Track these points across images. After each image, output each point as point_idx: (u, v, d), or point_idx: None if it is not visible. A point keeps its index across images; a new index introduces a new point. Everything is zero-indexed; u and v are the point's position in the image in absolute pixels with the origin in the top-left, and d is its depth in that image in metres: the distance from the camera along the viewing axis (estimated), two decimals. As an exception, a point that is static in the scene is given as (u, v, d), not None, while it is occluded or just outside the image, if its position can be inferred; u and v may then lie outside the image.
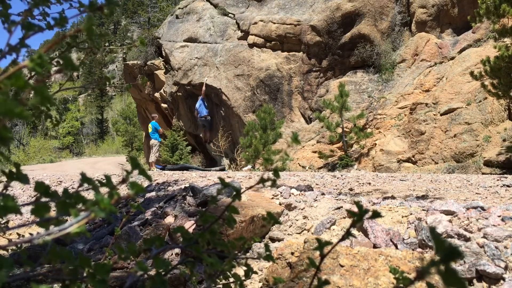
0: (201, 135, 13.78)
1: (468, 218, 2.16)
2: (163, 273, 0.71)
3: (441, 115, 8.75)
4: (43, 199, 0.54)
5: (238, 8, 13.69)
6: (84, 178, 0.55)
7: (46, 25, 0.82)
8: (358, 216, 0.58)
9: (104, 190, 0.55)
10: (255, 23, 12.32)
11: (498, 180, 4.60)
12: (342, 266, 1.59)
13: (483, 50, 9.61)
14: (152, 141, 11.15)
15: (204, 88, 12.51)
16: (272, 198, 3.12)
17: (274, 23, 12.01)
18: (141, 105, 17.22)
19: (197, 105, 12.69)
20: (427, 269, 0.35)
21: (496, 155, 7.13)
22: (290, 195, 3.22)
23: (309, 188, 3.74)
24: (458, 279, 0.34)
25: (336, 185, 4.56)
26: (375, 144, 9.74)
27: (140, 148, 30.96)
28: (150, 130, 11.18)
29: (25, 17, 0.70)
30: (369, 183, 4.71)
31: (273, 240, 2.63)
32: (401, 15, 11.98)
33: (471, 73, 7.25)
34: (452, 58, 10.52)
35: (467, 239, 1.97)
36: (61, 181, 6.79)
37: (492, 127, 7.87)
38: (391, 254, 1.63)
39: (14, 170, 0.60)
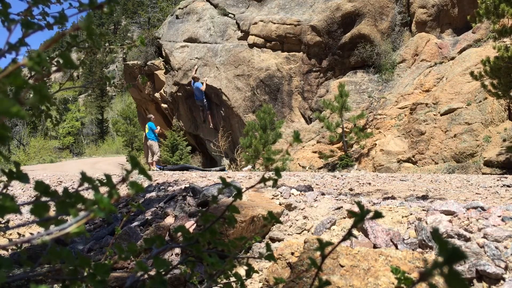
0: (203, 119, 13.64)
1: (468, 218, 2.16)
2: (163, 273, 0.71)
3: (441, 115, 8.75)
4: (43, 199, 0.53)
5: (238, 8, 13.69)
6: (84, 178, 0.55)
7: (46, 24, 0.81)
8: (359, 217, 0.58)
9: (103, 189, 0.55)
10: (255, 23, 12.32)
11: (498, 180, 4.59)
12: (342, 266, 1.59)
13: (483, 50, 9.61)
14: (150, 142, 11.14)
15: (195, 70, 12.66)
16: (272, 198, 3.12)
17: (274, 23, 12.01)
18: (141, 105, 17.22)
19: (194, 88, 12.72)
20: (430, 271, 0.35)
21: (496, 155, 7.13)
22: (290, 195, 3.21)
23: (309, 188, 3.73)
24: (462, 281, 0.34)
25: (336, 185, 4.56)
26: (375, 144, 9.74)
27: (140, 148, 30.98)
28: (147, 131, 11.19)
29: (25, 16, 0.70)
30: (369, 183, 4.71)
31: (273, 240, 2.63)
32: (401, 15, 11.98)
33: (471, 73, 7.25)
34: (452, 58, 10.52)
35: (467, 239, 1.96)
36: (61, 181, 6.78)
37: (492, 127, 7.87)
38: (391, 254, 1.63)
39: (14, 169, 0.60)
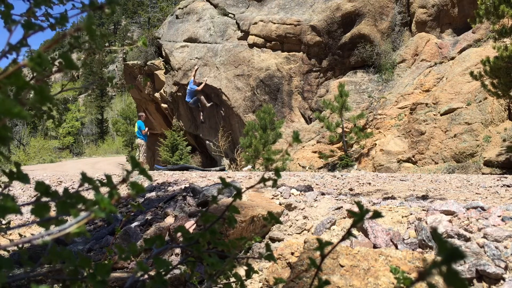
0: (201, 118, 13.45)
1: (468, 218, 2.16)
2: (163, 273, 0.71)
3: (441, 115, 8.75)
4: (44, 199, 0.53)
5: (238, 8, 13.69)
6: (85, 178, 0.55)
7: (49, 25, 0.82)
8: (359, 216, 0.58)
9: (104, 190, 0.55)
10: (255, 23, 12.32)
11: (498, 180, 4.60)
12: (342, 266, 1.59)
13: (483, 50, 9.61)
14: (138, 141, 10.87)
15: (194, 71, 12.36)
16: (272, 198, 3.12)
17: (274, 23, 12.01)
18: (141, 105, 17.22)
19: (188, 89, 12.33)
20: (429, 270, 0.35)
21: (496, 155, 7.13)
22: (290, 195, 3.21)
23: (309, 188, 3.73)
24: (460, 280, 0.34)
25: (336, 185, 4.56)
26: (375, 144, 9.74)
27: (140, 148, 30.97)
28: (136, 129, 10.95)
29: (27, 17, 0.70)
30: (369, 183, 4.71)
31: (273, 240, 2.63)
32: (401, 15, 11.98)
33: (471, 73, 7.26)
34: (452, 58, 10.52)
35: (467, 239, 1.97)
36: (61, 181, 6.78)
37: (492, 127, 7.87)
38: (391, 254, 1.63)
39: (14, 169, 0.60)
